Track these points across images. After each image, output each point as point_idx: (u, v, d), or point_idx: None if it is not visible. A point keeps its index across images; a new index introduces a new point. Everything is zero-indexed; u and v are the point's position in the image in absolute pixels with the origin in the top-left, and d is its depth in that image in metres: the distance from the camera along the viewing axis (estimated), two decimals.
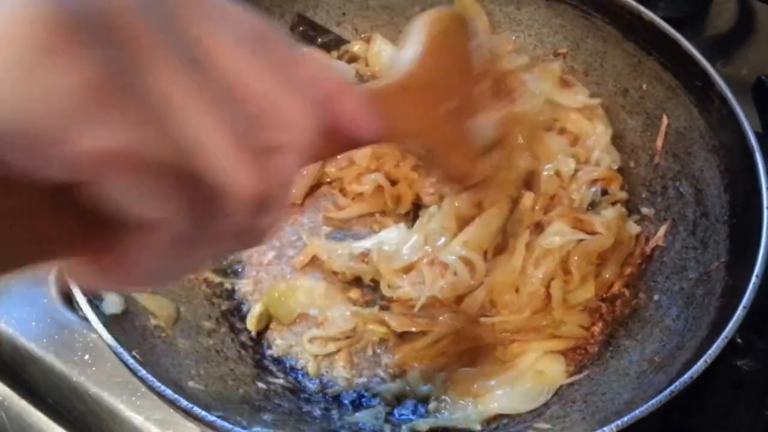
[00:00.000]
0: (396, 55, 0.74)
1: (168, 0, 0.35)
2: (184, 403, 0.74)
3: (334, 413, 0.91)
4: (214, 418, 0.74)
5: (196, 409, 0.74)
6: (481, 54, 0.83)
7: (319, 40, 1.14)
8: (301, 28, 1.13)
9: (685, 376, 0.75)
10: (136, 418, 0.93)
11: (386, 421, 0.90)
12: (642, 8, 1.00)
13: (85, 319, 0.84)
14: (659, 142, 1.01)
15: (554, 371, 0.91)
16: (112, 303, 0.87)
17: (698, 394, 0.73)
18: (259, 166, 0.37)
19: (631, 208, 1.04)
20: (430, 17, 0.78)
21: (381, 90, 0.65)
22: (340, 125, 0.48)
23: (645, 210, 1.02)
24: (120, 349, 0.78)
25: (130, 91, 0.32)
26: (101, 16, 0.31)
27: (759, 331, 0.90)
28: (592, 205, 1.02)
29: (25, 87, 0.30)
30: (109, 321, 0.84)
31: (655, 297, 0.94)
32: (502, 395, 0.90)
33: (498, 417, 0.90)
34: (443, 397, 0.91)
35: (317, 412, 0.90)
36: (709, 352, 0.76)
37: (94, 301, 0.84)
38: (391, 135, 0.66)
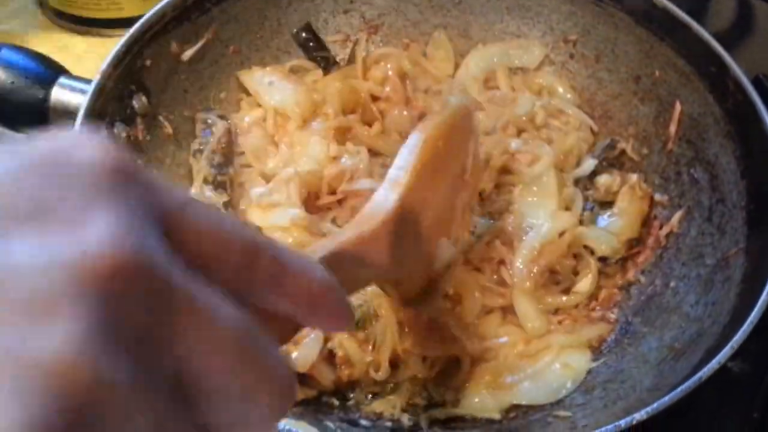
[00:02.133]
0: (377, 185, 0.74)
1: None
2: None
3: (352, 402, 0.90)
4: None
5: None
6: (475, 158, 0.83)
7: (315, 54, 1.14)
8: (303, 35, 1.13)
9: (713, 361, 0.75)
10: None
11: (404, 410, 0.90)
12: None
13: None
14: (672, 129, 1.01)
15: (579, 363, 0.91)
16: None
17: (687, 395, 0.73)
18: None
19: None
20: (426, 133, 0.76)
21: (353, 244, 0.62)
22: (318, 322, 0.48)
23: (658, 196, 1.01)
24: None
25: None
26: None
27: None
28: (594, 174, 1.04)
29: None
30: None
31: (672, 284, 0.94)
32: (526, 387, 0.89)
33: (517, 406, 0.89)
34: (462, 388, 0.90)
35: (336, 402, 0.90)
36: (736, 337, 0.76)
37: None
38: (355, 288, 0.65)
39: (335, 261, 0.56)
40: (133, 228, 0.32)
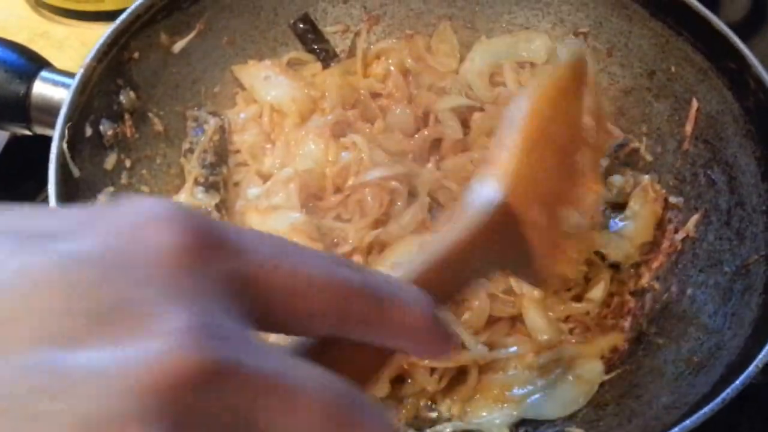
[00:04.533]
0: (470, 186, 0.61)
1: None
2: None
3: None
4: None
5: None
6: (596, 111, 0.73)
7: (314, 46, 1.09)
8: (301, 26, 1.08)
9: (737, 382, 0.71)
10: None
11: (408, 424, 0.86)
12: None
13: None
14: (688, 127, 0.96)
15: (592, 375, 0.87)
16: None
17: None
18: None
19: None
20: (533, 100, 0.66)
21: (455, 251, 0.53)
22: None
23: (673, 199, 0.97)
24: None
25: None
26: None
27: None
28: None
29: None
30: None
31: (689, 292, 0.90)
32: (536, 401, 0.85)
33: (526, 421, 0.85)
34: (470, 401, 0.86)
35: None
36: (761, 355, 0.72)
37: None
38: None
39: (435, 275, 0.50)
40: (205, 324, 0.31)
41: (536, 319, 0.88)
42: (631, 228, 0.96)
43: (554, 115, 0.69)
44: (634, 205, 0.97)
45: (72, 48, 1.17)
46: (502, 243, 0.59)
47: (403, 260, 0.67)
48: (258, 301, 0.35)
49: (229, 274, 0.33)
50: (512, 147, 0.63)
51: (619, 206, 0.98)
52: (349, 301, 0.38)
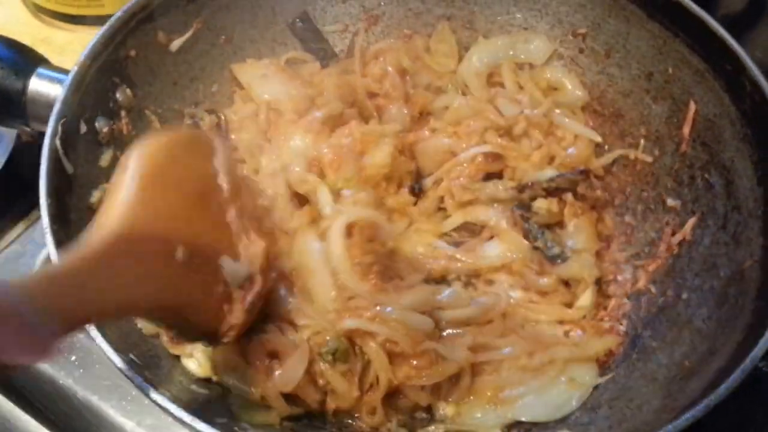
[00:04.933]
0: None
1: None
2: (186, 417, 0.69)
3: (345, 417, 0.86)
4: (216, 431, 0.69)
5: (200, 423, 0.69)
6: (227, 175, 0.77)
7: (312, 45, 1.09)
8: (300, 25, 1.08)
9: (722, 387, 0.70)
10: (127, 424, 0.88)
11: (401, 425, 0.85)
12: None
13: None
14: (686, 130, 0.95)
15: (586, 378, 0.86)
16: None
17: None
18: None
19: (655, 198, 0.98)
20: (144, 150, 0.71)
21: (73, 268, 0.60)
22: None
23: (671, 202, 0.96)
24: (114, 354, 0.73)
25: None
26: None
27: None
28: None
29: None
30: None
31: (684, 295, 0.89)
32: (529, 403, 0.85)
33: (519, 423, 0.85)
34: (463, 402, 0.86)
35: (330, 417, 0.85)
36: (746, 361, 0.71)
37: None
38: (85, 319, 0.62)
39: (52, 288, 0.56)
40: None
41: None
42: (582, 239, 0.96)
43: (170, 163, 0.73)
44: (571, 219, 0.97)
45: (74, 53, 1.14)
46: (126, 265, 0.63)
47: None
48: None
49: None
50: (127, 182, 0.68)
51: (552, 226, 0.98)
52: None
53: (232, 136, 1.00)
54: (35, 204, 0.79)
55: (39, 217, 0.90)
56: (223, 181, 0.77)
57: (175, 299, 0.69)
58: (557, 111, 1.04)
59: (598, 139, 1.03)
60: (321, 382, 0.83)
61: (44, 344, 0.53)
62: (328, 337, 0.83)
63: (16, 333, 0.49)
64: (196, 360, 0.85)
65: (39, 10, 1.22)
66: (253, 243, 0.78)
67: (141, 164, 0.70)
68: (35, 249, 1.01)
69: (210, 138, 0.80)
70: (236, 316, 0.76)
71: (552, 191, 0.97)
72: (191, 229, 0.72)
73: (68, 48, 1.19)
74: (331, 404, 0.83)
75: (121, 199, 0.67)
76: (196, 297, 0.71)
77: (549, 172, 0.99)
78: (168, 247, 0.68)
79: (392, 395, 0.85)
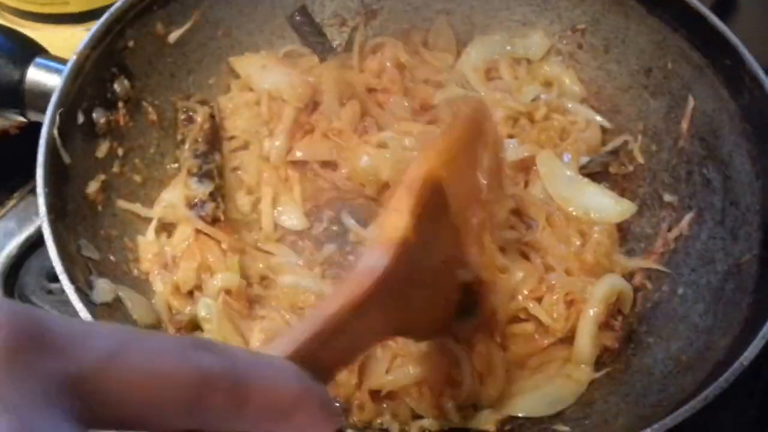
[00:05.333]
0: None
1: None
2: None
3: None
4: None
5: None
6: (493, 170, 0.73)
7: (311, 39, 1.09)
8: (298, 19, 1.08)
9: (720, 380, 0.70)
10: None
11: (393, 419, 0.85)
12: None
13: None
14: (684, 125, 0.95)
15: (581, 374, 0.86)
16: (103, 291, 0.81)
17: None
18: None
19: (652, 194, 0.98)
20: (427, 164, 0.66)
21: (339, 317, 0.52)
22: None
23: (668, 197, 0.96)
24: None
25: None
26: None
27: None
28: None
29: None
30: (99, 312, 0.78)
31: (680, 291, 0.89)
32: (524, 398, 0.85)
33: (513, 418, 0.84)
34: None
35: None
36: (745, 354, 0.71)
37: (83, 289, 0.78)
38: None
39: (318, 343, 0.49)
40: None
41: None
42: None
43: (451, 173, 0.68)
44: None
45: (69, 49, 1.15)
46: (388, 307, 0.59)
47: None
48: (90, 400, 0.33)
49: (55, 375, 0.32)
50: (404, 211, 0.63)
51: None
52: (209, 388, 0.36)
53: (227, 124, 1.00)
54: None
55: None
56: (485, 179, 0.73)
57: (407, 327, 0.66)
58: (564, 98, 1.04)
59: (608, 125, 1.03)
60: None
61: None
62: None
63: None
64: None
65: (3, 9, 1.20)
66: (477, 249, 0.74)
67: (424, 187, 0.65)
68: None
69: (483, 119, 0.74)
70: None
71: (585, 176, 0.98)
72: (452, 245, 0.69)
73: (64, 45, 1.17)
74: (330, 392, 0.83)
75: (397, 232, 0.62)
76: (420, 318, 0.69)
77: (582, 158, 0.99)
78: (430, 277, 0.65)
79: (390, 397, 0.85)
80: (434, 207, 0.67)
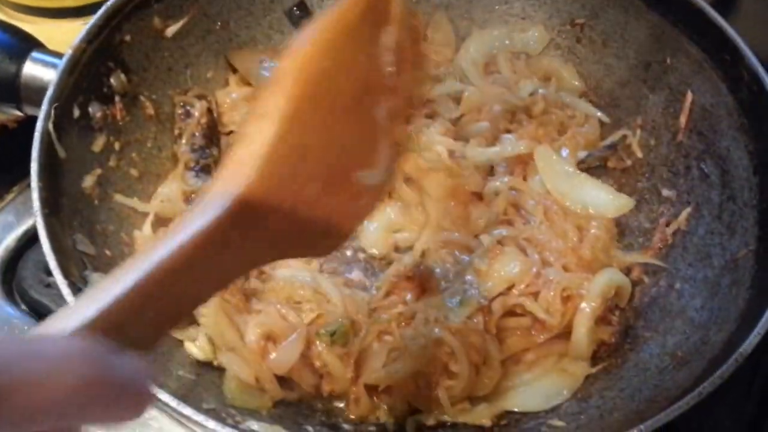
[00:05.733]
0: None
1: None
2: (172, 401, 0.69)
3: (335, 405, 0.86)
4: (203, 416, 0.69)
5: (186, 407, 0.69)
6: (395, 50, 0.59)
7: None
8: (297, 13, 1.08)
9: (715, 375, 0.70)
10: None
11: (389, 414, 0.85)
12: None
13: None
14: (683, 119, 0.95)
15: (577, 369, 0.86)
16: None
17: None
18: None
19: (650, 189, 0.98)
20: (299, 57, 0.54)
21: (180, 261, 0.45)
22: None
23: (666, 192, 0.95)
24: None
25: None
26: None
27: None
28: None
29: None
30: None
31: (677, 285, 0.89)
32: (520, 393, 0.85)
33: (509, 413, 0.84)
34: None
35: (318, 405, 0.85)
36: (740, 350, 0.71)
37: (78, 284, 0.78)
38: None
39: (143, 297, 0.43)
40: None
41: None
42: None
43: (336, 66, 0.56)
44: None
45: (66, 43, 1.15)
46: (259, 231, 0.51)
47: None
48: None
49: None
50: (272, 115, 0.52)
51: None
52: None
53: (225, 118, 1.00)
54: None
55: None
56: (389, 61, 0.59)
57: (304, 241, 0.57)
58: (563, 93, 1.04)
59: (607, 119, 1.03)
60: (317, 364, 0.83)
61: None
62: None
63: None
64: (198, 343, 0.85)
65: (12, 7, 1.20)
66: (392, 145, 0.62)
67: (297, 84, 0.53)
68: None
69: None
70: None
71: (583, 170, 0.98)
72: (348, 150, 0.58)
73: (63, 39, 1.17)
74: (326, 387, 0.83)
75: (255, 147, 0.51)
76: (327, 223, 0.58)
77: (580, 153, 0.99)
78: (308, 190, 0.54)
79: (386, 391, 0.85)
80: (319, 102, 0.55)
